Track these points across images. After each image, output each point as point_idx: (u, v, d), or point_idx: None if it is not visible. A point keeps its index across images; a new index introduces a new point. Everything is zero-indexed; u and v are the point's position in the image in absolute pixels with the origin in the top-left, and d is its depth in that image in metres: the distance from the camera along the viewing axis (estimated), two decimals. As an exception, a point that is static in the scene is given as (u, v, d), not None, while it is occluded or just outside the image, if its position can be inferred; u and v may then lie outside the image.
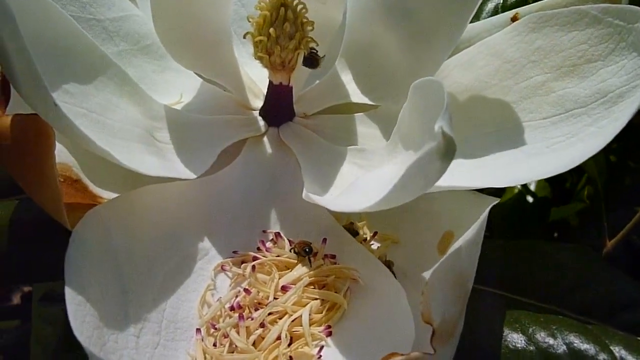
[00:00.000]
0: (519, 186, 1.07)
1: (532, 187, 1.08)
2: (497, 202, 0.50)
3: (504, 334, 0.49)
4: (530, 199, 1.08)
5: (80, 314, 0.40)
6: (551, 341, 0.47)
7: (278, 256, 0.55)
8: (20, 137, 0.43)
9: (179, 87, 0.67)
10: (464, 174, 0.57)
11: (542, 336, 0.48)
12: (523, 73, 0.58)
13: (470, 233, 0.43)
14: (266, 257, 0.55)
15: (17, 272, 0.51)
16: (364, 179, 0.52)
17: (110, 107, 0.53)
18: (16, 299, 1.38)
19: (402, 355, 0.39)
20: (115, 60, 0.65)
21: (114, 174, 0.55)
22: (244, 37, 0.60)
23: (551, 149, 0.54)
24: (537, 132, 0.56)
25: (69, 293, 0.41)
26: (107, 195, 0.55)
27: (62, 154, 0.54)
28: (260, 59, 0.59)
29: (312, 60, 0.60)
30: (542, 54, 0.57)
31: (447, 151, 0.37)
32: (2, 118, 0.44)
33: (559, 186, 1.17)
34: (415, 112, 0.48)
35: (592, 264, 0.54)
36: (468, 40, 0.65)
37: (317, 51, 0.60)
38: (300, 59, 0.59)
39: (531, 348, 0.47)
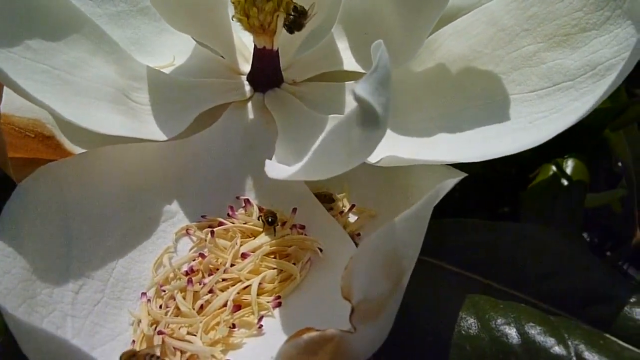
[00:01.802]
0: (553, 168, 1.01)
1: (569, 170, 1.02)
2: (464, 177, 0.47)
3: (459, 319, 0.46)
4: (565, 181, 1.02)
5: (6, 266, 0.40)
6: (506, 329, 0.44)
7: (245, 223, 0.54)
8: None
9: (174, 50, 0.67)
10: (447, 148, 0.54)
11: (497, 324, 0.45)
12: (515, 42, 0.54)
13: (412, 208, 0.40)
14: (233, 223, 0.54)
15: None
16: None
17: (80, 64, 0.53)
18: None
19: (317, 330, 0.37)
20: (113, 20, 0.66)
21: (94, 132, 0.55)
22: (225, -2, 0.58)
23: (533, 124, 0.50)
24: (523, 106, 0.52)
25: None
26: (84, 153, 0.55)
27: (40, 111, 0.55)
28: (239, 21, 0.58)
29: (293, 24, 0.57)
30: (536, 21, 0.53)
31: (365, 117, 0.34)
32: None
33: (602, 171, 1.10)
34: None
35: (575, 251, 0.50)
36: (469, 7, 0.61)
37: (297, 15, 0.57)
38: (281, 22, 0.57)
39: (483, 335, 0.44)
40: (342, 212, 0.56)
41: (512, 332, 0.44)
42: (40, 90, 0.45)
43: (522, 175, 1.05)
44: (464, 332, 0.45)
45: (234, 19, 0.58)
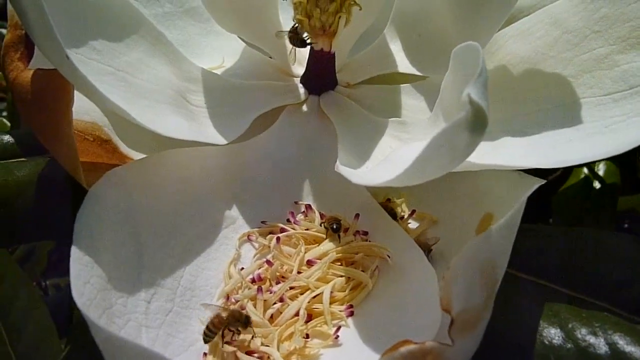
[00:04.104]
0: (585, 170, 1.01)
1: (601, 173, 1.01)
2: (542, 183, 0.46)
3: (540, 328, 0.44)
4: (597, 184, 1.01)
5: (85, 275, 0.39)
6: (592, 339, 0.43)
7: (307, 229, 0.53)
8: (40, 92, 0.42)
9: (222, 51, 0.66)
10: (513, 152, 0.53)
11: (582, 333, 0.43)
12: (585, 44, 0.53)
13: (505, 217, 0.39)
14: (295, 229, 0.52)
15: (40, 229, 0.51)
16: (398, 153, 0.49)
17: (140, 66, 0.52)
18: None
19: (415, 343, 0.36)
20: (159, 21, 0.64)
21: (149, 136, 0.53)
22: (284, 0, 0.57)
23: (610, 128, 0.49)
24: (596, 109, 0.51)
25: (75, 253, 0.40)
26: (139, 157, 0.54)
27: (94, 113, 0.53)
28: (299, 22, 0.56)
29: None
30: (607, 23, 0.52)
31: (476, 122, 0.33)
32: (24, 72, 0.43)
33: (631, 173, 1.09)
34: (454, 81, 0.44)
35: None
36: (528, 8, 0.60)
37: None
38: (342, 24, 0.56)
39: (569, 345, 0.43)
40: (402, 217, 0.55)
41: (599, 343, 0.43)
42: (110, 92, 0.44)
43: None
44: (547, 342, 0.44)
45: (294, 20, 0.56)
